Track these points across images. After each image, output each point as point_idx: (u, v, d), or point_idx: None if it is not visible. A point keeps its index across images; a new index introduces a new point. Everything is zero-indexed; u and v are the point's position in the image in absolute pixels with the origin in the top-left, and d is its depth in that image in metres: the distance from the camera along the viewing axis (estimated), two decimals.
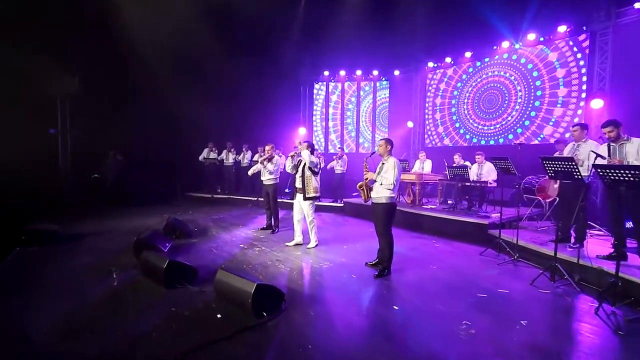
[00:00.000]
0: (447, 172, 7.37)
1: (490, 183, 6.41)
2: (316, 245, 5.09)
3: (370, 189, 3.93)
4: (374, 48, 10.29)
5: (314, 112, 12.24)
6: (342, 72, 11.59)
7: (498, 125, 9.25)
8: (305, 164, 4.88)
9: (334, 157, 8.92)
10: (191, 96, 9.12)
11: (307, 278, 3.91)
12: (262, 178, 6.14)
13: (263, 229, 6.27)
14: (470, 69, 9.88)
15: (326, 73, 11.69)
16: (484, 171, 6.62)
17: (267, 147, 5.97)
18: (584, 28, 7.46)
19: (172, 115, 9.45)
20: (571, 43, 7.80)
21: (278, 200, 6.19)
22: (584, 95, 7.64)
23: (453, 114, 10.37)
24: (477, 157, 6.92)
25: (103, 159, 9.03)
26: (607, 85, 7.17)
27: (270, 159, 5.96)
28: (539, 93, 8.43)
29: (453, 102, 10.36)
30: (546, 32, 7.99)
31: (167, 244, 4.52)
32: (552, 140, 8.08)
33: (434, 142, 10.87)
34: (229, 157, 10.14)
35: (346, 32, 9.93)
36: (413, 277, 3.87)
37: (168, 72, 8.94)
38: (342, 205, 8.64)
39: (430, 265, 4.32)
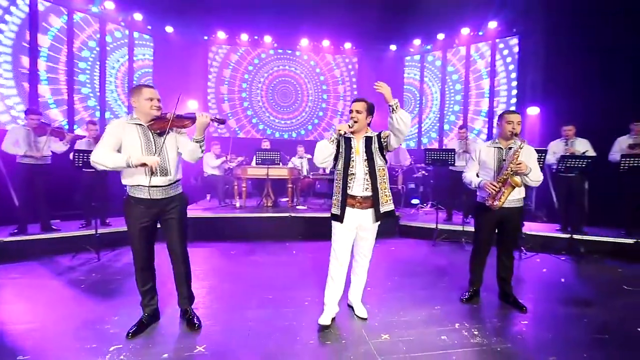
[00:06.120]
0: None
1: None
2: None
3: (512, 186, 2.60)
4: None
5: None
6: None
7: (294, 120, 9.33)
8: (378, 141, 2.42)
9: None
10: None
11: None
12: (152, 182, 2.21)
13: (134, 333, 2.28)
14: (256, 61, 9.10)
15: None
16: None
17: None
18: (354, 48, 9.33)
19: None
20: (347, 59, 9.46)
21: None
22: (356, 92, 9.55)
23: (247, 109, 9.12)
24: None
25: None
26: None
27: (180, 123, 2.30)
28: (324, 87, 9.44)
29: (244, 95, 9.08)
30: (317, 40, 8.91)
31: None
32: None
33: (220, 133, 8.95)
34: None
35: None
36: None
37: None
38: None
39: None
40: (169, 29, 7.99)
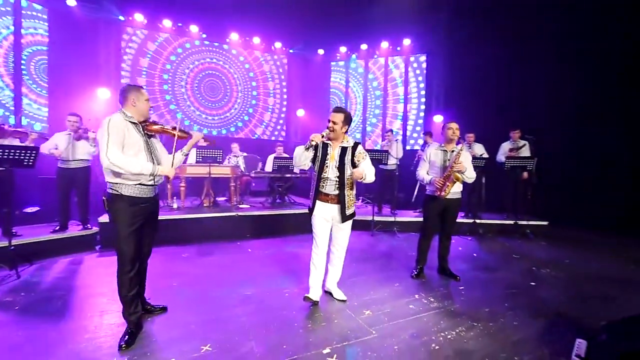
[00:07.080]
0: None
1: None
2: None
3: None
4: None
5: None
6: None
7: (217, 118, 9.00)
8: (352, 153, 2.67)
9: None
10: None
11: None
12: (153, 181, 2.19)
13: (128, 344, 2.13)
14: (176, 54, 8.49)
15: None
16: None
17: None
18: (288, 49, 9.55)
19: None
20: (275, 56, 9.58)
21: None
22: (285, 103, 9.79)
23: (170, 103, 8.38)
24: (277, 148, 6.81)
25: None
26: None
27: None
28: (254, 84, 9.39)
29: (165, 87, 8.33)
30: (247, 35, 8.96)
31: None
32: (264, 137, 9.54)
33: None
34: None
35: None
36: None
37: None
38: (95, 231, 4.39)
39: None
40: (71, 1, 6.81)
